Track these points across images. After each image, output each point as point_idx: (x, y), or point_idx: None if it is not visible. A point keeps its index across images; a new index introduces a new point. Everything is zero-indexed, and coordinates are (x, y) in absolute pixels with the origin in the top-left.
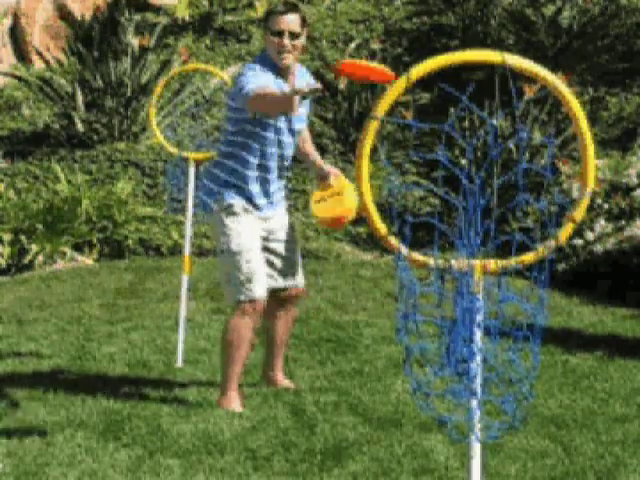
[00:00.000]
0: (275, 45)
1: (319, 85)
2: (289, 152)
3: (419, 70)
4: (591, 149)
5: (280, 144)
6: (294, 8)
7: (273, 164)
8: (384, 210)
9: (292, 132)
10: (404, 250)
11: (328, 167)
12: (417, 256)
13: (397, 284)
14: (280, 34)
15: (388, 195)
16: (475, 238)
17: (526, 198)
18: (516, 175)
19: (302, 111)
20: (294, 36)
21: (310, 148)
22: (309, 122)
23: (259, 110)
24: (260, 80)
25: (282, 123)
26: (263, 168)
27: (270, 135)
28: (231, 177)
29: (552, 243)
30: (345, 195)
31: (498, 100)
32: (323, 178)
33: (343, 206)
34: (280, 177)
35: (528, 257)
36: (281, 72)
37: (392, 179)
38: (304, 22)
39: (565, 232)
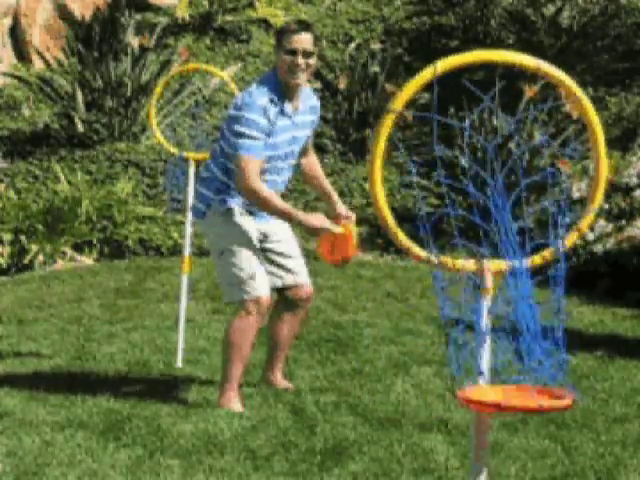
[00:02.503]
0: (288, 64)
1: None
2: (286, 170)
3: (446, 63)
4: (604, 165)
5: (276, 161)
6: (307, 27)
7: (268, 179)
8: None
9: (290, 152)
10: (422, 253)
11: (341, 207)
12: (431, 257)
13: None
14: (294, 53)
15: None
16: (512, 239)
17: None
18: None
19: (305, 133)
20: (307, 55)
21: (320, 178)
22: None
23: (241, 186)
24: (255, 138)
25: (281, 151)
26: None
27: (266, 154)
28: (225, 187)
29: (558, 247)
30: (351, 233)
31: (498, 100)
32: (333, 218)
33: (351, 245)
34: (275, 192)
35: (536, 259)
36: (288, 92)
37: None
38: (316, 41)
39: (570, 239)
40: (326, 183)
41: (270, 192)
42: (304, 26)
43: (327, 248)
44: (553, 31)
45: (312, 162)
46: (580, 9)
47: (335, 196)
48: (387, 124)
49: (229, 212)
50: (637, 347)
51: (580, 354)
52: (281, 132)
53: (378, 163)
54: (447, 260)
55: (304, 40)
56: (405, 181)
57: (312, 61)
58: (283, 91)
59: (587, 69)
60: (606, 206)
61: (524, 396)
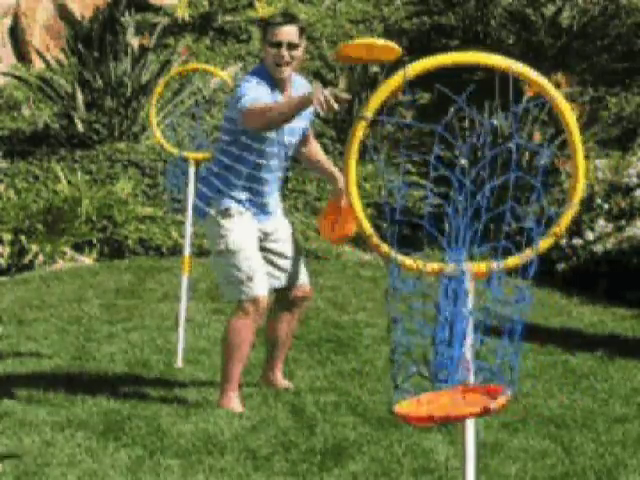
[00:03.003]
0: (273, 56)
1: (341, 97)
2: (284, 164)
3: (417, 67)
4: (582, 165)
5: (275, 157)
6: (292, 19)
7: (267, 176)
8: (383, 210)
9: (288, 145)
10: (393, 254)
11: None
12: (406, 260)
13: (388, 286)
14: (278, 45)
15: (387, 195)
16: (464, 241)
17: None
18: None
19: (300, 124)
20: (292, 47)
21: (322, 160)
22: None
23: (254, 125)
24: (256, 92)
25: (277, 136)
26: (257, 180)
27: (265, 148)
28: (225, 186)
29: (531, 252)
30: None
31: (498, 100)
32: (338, 195)
33: (353, 222)
34: (274, 188)
35: (512, 262)
36: (278, 84)
37: (392, 179)
38: (302, 33)
39: (545, 243)
40: (329, 164)
41: (274, 104)
42: (289, 18)
43: (329, 224)
44: (553, 31)
45: (313, 149)
46: (580, 9)
47: (339, 176)
48: (359, 130)
49: (229, 211)
50: (637, 347)
51: (580, 354)
52: None
53: (352, 166)
54: (406, 260)
55: (289, 32)
56: (406, 181)
57: (297, 53)
58: (274, 82)
59: (587, 69)
60: (606, 206)
61: (443, 404)
